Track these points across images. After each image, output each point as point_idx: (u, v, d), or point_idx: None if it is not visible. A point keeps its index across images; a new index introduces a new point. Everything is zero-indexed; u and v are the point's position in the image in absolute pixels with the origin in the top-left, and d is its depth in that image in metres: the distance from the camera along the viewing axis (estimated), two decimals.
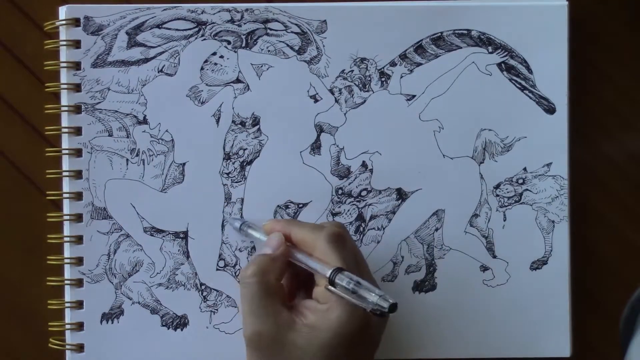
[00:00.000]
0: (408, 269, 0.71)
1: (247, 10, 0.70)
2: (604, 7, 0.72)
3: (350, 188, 0.71)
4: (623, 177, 0.73)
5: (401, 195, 0.71)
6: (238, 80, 0.70)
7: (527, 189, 0.71)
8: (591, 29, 0.72)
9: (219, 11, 0.70)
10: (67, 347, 0.69)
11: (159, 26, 0.70)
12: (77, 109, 0.69)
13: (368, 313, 0.58)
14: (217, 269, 0.70)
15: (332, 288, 0.60)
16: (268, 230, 0.66)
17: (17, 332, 0.70)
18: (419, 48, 0.71)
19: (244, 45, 0.70)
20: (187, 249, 0.70)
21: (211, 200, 0.70)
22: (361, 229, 0.71)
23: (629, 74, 0.73)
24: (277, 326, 0.60)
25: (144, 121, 0.70)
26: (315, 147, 0.71)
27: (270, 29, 0.70)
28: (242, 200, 0.70)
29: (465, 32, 0.71)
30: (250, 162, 0.70)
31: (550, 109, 0.71)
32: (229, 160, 0.70)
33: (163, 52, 0.70)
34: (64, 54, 0.69)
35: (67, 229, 0.69)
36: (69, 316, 0.69)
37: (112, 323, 0.69)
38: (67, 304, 0.69)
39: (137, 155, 0.70)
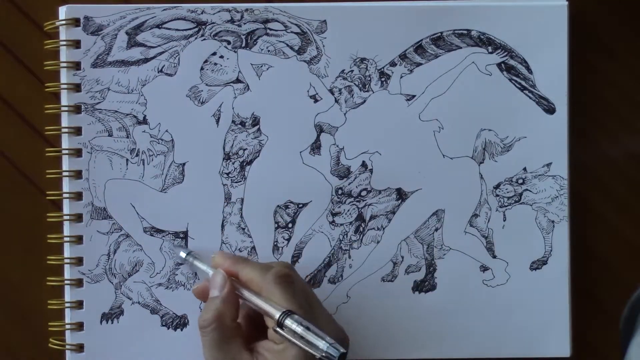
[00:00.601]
0: (408, 269, 0.71)
1: (247, 10, 0.70)
2: (604, 7, 0.72)
3: (350, 188, 0.71)
4: (623, 177, 0.73)
5: (401, 195, 0.71)
6: (238, 80, 0.70)
7: (527, 189, 0.71)
8: (591, 29, 0.72)
9: (219, 11, 0.70)
10: (67, 347, 0.69)
11: (159, 26, 0.70)
12: (77, 109, 0.69)
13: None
14: None
15: (280, 331, 0.59)
16: (216, 264, 0.66)
17: (17, 332, 0.70)
18: (419, 48, 0.71)
19: (244, 45, 0.70)
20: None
21: (211, 200, 0.70)
22: (361, 229, 0.71)
23: (629, 74, 0.73)
24: None
25: (144, 121, 0.70)
26: (315, 147, 0.71)
27: (270, 29, 0.70)
28: (242, 200, 0.70)
29: (465, 32, 0.71)
30: (250, 162, 0.70)
31: (550, 109, 0.71)
32: (229, 160, 0.70)
33: (163, 52, 0.70)
34: (64, 54, 0.69)
35: (67, 229, 0.69)
36: (69, 316, 0.69)
37: (112, 323, 0.69)
38: (67, 304, 0.69)
39: (137, 155, 0.70)
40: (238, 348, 0.62)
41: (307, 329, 0.58)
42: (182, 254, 0.68)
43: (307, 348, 0.58)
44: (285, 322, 0.59)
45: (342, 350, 0.57)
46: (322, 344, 0.57)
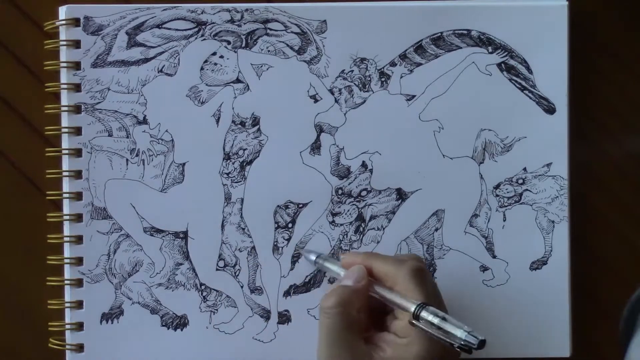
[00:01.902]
0: None
1: (247, 10, 0.70)
2: (603, 7, 0.72)
3: (350, 188, 0.71)
4: (623, 177, 0.73)
5: (401, 195, 0.71)
6: (238, 80, 0.70)
7: (527, 189, 0.71)
8: (591, 29, 0.72)
9: (219, 11, 0.70)
10: (67, 347, 0.69)
11: (158, 26, 0.70)
12: (77, 109, 0.69)
13: (447, 348, 0.58)
14: (217, 269, 0.70)
15: (417, 323, 0.59)
16: (347, 263, 0.66)
17: (17, 332, 0.70)
18: (419, 48, 0.71)
19: (244, 45, 0.70)
20: (187, 249, 0.70)
21: (211, 200, 0.70)
22: (361, 229, 0.71)
23: (629, 74, 0.73)
24: (355, 358, 0.61)
25: (144, 121, 0.70)
26: (315, 147, 0.71)
27: (270, 29, 0.70)
28: (242, 200, 0.70)
29: (465, 32, 0.71)
30: (250, 162, 0.70)
31: (550, 109, 0.71)
32: (228, 160, 0.70)
33: (163, 52, 0.70)
34: (64, 54, 0.69)
35: (67, 229, 0.69)
36: (69, 316, 0.69)
37: (112, 323, 0.69)
38: (67, 304, 0.69)
39: (137, 155, 0.70)
40: (356, 338, 0.61)
41: (444, 319, 0.58)
42: (312, 257, 0.69)
43: (444, 338, 0.58)
44: (422, 314, 0.59)
45: (481, 337, 0.56)
46: (460, 333, 0.57)
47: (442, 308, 0.63)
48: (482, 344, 0.56)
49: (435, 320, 0.58)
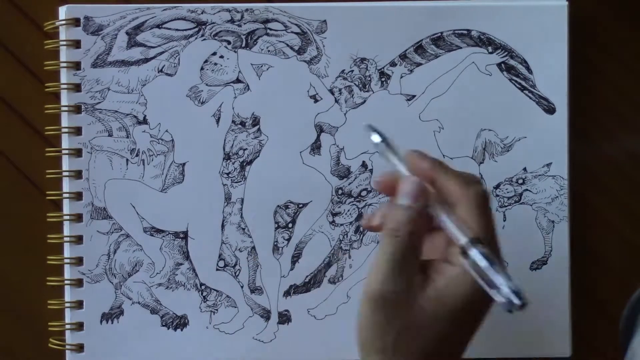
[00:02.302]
0: None
1: (247, 10, 0.70)
2: (603, 7, 0.72)
3: (350, 188, 0.71)
4: (623, 177, 0.73)
5: None
6: (238, 80, 0.70)
7: (527, 189, 0.71)
8: (591, 29, 0.72)
9: (219, 11, 0.70)
10: (67, 347, 0.69)
11: (159, 26, 0.70)
12: (77, 109, 0.70)
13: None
14: (217, 269, 0.70)
15: (462, 259, 0.54)
16: (413, 163, 0.58)
17: (17, 332, 0.70)
18: (419, 48, 0.71)
19: (244, 45, 0.70)
20: (187, 249, 0.70)
21: (211, 200, 0.70)
22: (361, 229, 0.71)
23: (629, 74, 0.73)
24: (410, 288, 0.55)
25: (144, 121, 0.70)
26: (315, 147, 0.71)
27: (270, 29, 0.70)
28: (242, 200, 0.70)
29: (465, 32, 0.71)
30: (250, 162, 0.70)
31: (550, 109, 0.71)
32: (229, 160, 0.70)
33: (163, 52, 0.70)
34: (64, 54, 0.69)
35: (67, 229, 0.69)
36: (69, 316, 0.69)
37: (112, 323, 0.69)
38: (67, 304, 0.69)
39: (137, 155, 0.70)
40: (415, 265, 0.56)
41: (492, 264, 0.53)
42: (376, 139, 0.58)
43: (485, 286, 0.53)
44: (470, 251, 0.54)
45: (527, 300, 0.51)
46: (505, 287, 0.52)
47: (495, 244, 0.57)
48: (524, 306, 0.52)
49: (483, 263, 0.53)
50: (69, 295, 0.69)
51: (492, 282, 0.53)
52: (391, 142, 0.59)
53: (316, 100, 0.71)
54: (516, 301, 0.52)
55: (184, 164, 0.70)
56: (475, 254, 0.54)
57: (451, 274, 0.55)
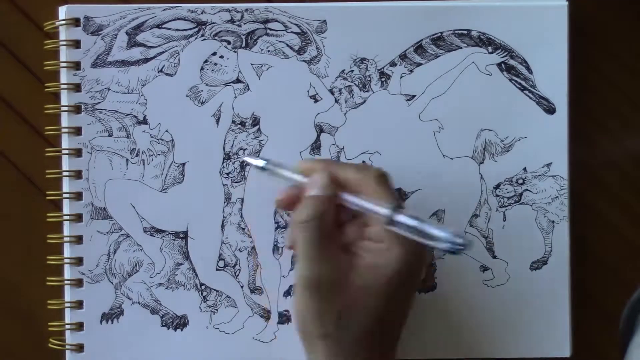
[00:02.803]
0: None
1: (247, 10, 0.70)
2: (604, 7, 0.72)
3: None
4: (623, 177, 0.73)
5: (401, 195, 0.71)
6: (238, 80, 0.70)
7: (527, 189, 0.71)
8: (591, 29, 0.72)
9: (219, 11, 0.70)
10: (67, 347, 0.69)
11: (159, 26, 0.70)
12: (77, 109, 0.70)
13: (424, 251, 0.56)
14: (217, 269, 0.70)
15: (393, 228, 0.58)
16: (305, 169, 0.63)
17: (17, 332, 0.70)
18: (419, 48, 0.71)
19: (244, 45, 0.70)
20: (187, 249, 0.70)
21: (211, 200, 0.70)
22: None
23: (629, 74, 0.73)
24: (337, 269, 0.59)
25: (144, 121, 0.70)
26: (315, 147, 0.71)
27: (270, 29, 0.70)
28: (242, 200, 0.70)
29: (465, 32, 0.71)
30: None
31: (550, 109, 0.71)
32: (229, 160, 0.70)
33: (163, 52, 0.70)
34: (64, 54, 0.69)
35: (67, 229, 0.69)
36: (69, 316, 0.69)
37: (112, 323, 0.69)
38: (67, 304, 0.69)
39: (137, 155, 0.70)
40: (335, 247, 0.60)
41: (422, 221, 0.56)
42: (261, 163, 0.65)
43: (425, 241, 0.56)
44: (398, 218, 0.57)
45: (467, 239, 0.55)
46: (443, 234, 0.55)
47: None
48: (466, 245, 0.55)
49: (414, 223, 0.57)
50: (68, 295, 0.69)
51: (429, 235, 0.56)
52: (276, 161, 0.64)
53: (316, 100, 0.71)
54: (458, 240, 0.55)
55: (184, 164, 0.70)
56: (403, 218, 0.57)
57: (377, 249, 0.59)
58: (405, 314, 0.62)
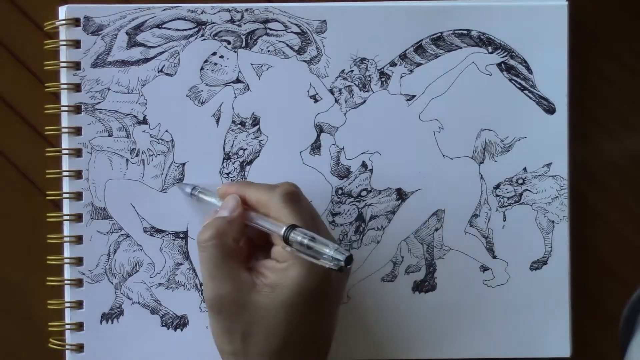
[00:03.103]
0: (408, 269, 0.71)
1: (247, 10, 0.70)
2: (603, 7, 0.72)
3: (350, 188, 0.71)
4: (623, 177, 0.73)
5: (401, 195, 0.71)
6: (238, 80, 0.70)
7: (527, 189, 0.71)
8: (591, 29, 0.72)
9: (219, 11, 0.70)
10: (67, 347, 0.69)
11: (159, 26, 0.70)
12: (77, 109, 0.70)
13: (328, 271, 0.57)
14: None
15: (287, 247, 0.59)
16: (222, 193, 0.65)
17: (17, 332, 0.70)
18: (419, 48, 0.71)
19: (244, 45, 0.70)
20: (187, 249, 0.70)
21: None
22: (361, 229, 0.71)
23: (629, 74, 0.73)
24: (238, 288, 0.60)
25: (144, 121, 0.70)
26: (315, 147, 0.71)
27: (270, 29, 0.70)
28: None
29: (465, 32, 0.71)
30: (250, 162, 0.70)
31: (550, 109, 0.71)
32: (229, 160, 0.70)
33: (163, 52, 0.70)
34: (64, 54, 0.69)
35: (67, 229, 0.69)
36: (69, 316, 0.69)
37: (112, 323, 0.69)
38: (67, 304, 0.69)
39: (137, 155, 0.70)
40: (237, 267, 0.61)
41: (313, 239, 0.58)
42: (188, 189, 0.68)
43: (314, 259, 0.57)
44: (291, 236, 0.58)
45: (348, 253, 0.56)
46: (328, 250, 0.56)
47: (321, 230, 0.63)
48: (349, 259, 0.56)
49: (305, 241, 0.58)
50: (68, 295, 0.69)
51: (318, 253, 0.57)
52: (202, 187, 0.68)
53: (316, 100, 0.71)
54: (340, 257, 0.56)
55: (184, 164, 0.70)
56: (294, 236, 0.58)
57: (279, 268, 0.60)
58: (324, 331, 0.63)
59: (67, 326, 0.69)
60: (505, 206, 0.71)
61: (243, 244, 0.64)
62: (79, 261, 0.69)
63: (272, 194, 0.62)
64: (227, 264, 0.61)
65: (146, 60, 0.70)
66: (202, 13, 0.70)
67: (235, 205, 0.63)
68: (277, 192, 0.62)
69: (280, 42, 0.70)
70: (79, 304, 0.69)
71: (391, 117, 0.71)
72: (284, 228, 0.59)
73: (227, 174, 0.70)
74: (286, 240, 0.59)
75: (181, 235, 0.70)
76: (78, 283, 0.69)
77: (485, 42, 0.71)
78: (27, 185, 0.71)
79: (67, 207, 0.69)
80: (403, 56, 0.71)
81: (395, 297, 0.71)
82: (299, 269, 0.59)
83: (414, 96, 0.71)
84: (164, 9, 0.70)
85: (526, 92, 0.71)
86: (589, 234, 0.72)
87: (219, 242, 0.61)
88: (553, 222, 0.71)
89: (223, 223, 0.62)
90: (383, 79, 0.71)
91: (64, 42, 0.69)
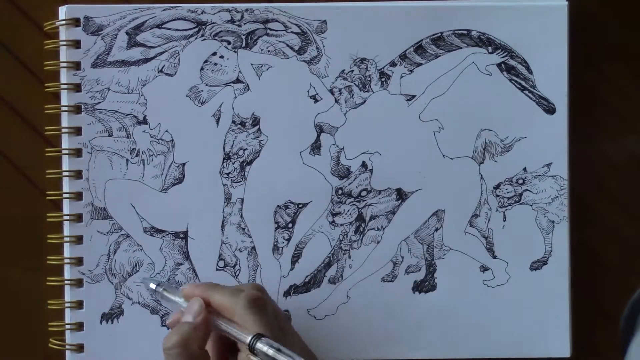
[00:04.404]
0: (408, 269, 0.71)
1: (247, 10, 0.70)
2: (603, 7, 0.72)
3: (350, 188, 0.71)
4: (623, 177, 0.73)
5: (401, 195, 0.71)
6: (238, 81, 0.70)
7: (527, 189, 0.71)
8: (591, 29, 0.72)
9: (219, 11, 0.70)
10: (67, 347, 0.69)
11: (159, 26, 0.70)
12: (77, 109, 0.70)
13: None
14: (217, 269, 0.70)
15: (253, 357, 0.59)
16: (187, 294, 0.64)
17: (17, 332, 0.70)
18: (419, 48, 0.71)
19: (244, 45, 0.70)
20: (187, 249, 0.70)
21: (211, 200, 0.70)
22: (361, 229, 0.71)
23: (629, 74, 0.73)
24: None
25: (144, 121, 0.70)
26: (315, 147, 0.71)
27: (270, 29, 0.70)
28: (242, 200, 0.70)
29: (465, 32, 0.71)
30: (250, 162, 0.70)
31: (550, 109, 0.71)
32: (229, 160, 0.70)
33: (163, 52, 0.70)
34: (64, 54, 0.69)
35: (67, 229, 0.69)
36: (69, 316, 0.69)
37: (112, 323, 0.69)
38: (67, 304, 0.69)
39: (137, 155, 0.70)
40: None
41: (279, 350, 0.57)
42: (152, 286, 0.66)
43: None
44: (257, 346, 0.58)
45: None
46: None
47: (288, 336, 0.62)
48: None
49: (270, 352, 0.57)
50: (68, 295, 0.69)
51: None
52: (166, 284, 0.66)
53: (316, 100, 0.71)
54: None
55: (184, 164, 0.70)
56: (260, 346, 0.58)
57: None
58: None
59: (67, 326, 0.69)
60: (505, 206, 0.71)
61: (214, 346, 0.63)
62: (79, 261, 0.69)
63: (236, 299, 0.61)
64: None
65: (146, 60, 0.70)
66: (202, 13, 0.70)
67: (199, 310, 0.62)
68: (241, 297, 0.61)
69: (280, 42, 0.70)
70: (79, 304, 0.69)
71: (391, 117, 0.71)
72: (250, 337, 0.59)
73: (227, 174, 0.70)
74: (252, 349, 0.58)
75: (181, 235, 0.70)
76: (78, 283, 0.69)
77: (485, 42, 0.71)
78: (27, 185, 0.71)
79: (67, 207, 0.69)
80: (403, 56, 0.71)
81: (395, 297, 0.71)
82: None
83: (414, 96, 0.71)
84: (164, 9, 0.70)
85: (526, 92, 0.71)
86: (589, 234, 0.72)
87: (184, 350, 0.60)
88: (553, 222, 0.71)
89: (188, 330, 0.61)
90: (383, 79, 0.71)
91: (64, 42, 0.69)
